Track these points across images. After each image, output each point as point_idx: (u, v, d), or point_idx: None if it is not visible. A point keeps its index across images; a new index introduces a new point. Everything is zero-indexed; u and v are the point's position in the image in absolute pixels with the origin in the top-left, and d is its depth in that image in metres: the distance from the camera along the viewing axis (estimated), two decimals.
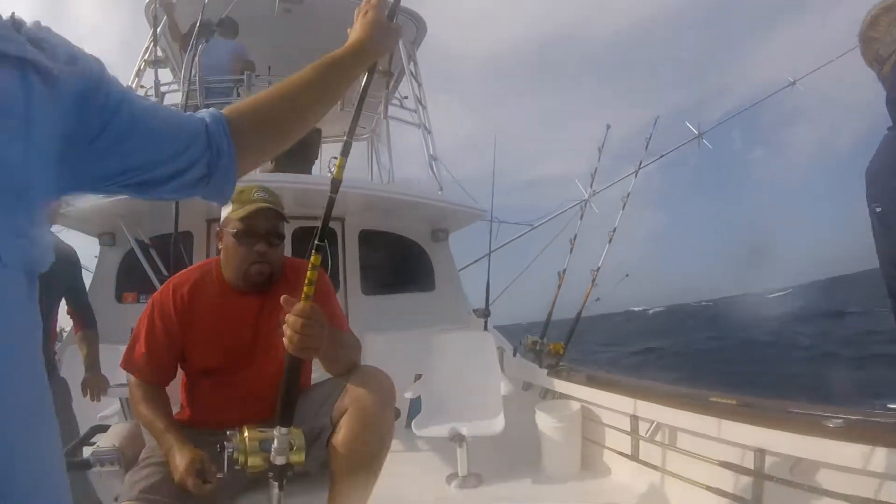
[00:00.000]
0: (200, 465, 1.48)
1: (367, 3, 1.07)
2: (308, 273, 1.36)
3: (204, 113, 0.82)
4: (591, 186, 3.94)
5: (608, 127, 4.00)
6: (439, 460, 3.37)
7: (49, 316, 2.40)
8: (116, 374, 2.14)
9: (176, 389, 1.87)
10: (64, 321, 2.80)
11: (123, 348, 1.80)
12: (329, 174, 3.78)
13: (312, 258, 1.35)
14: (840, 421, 1.97)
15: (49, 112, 0.57)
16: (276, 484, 1.44)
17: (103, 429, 1.83)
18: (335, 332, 1.59)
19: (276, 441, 1.41)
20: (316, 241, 1.35)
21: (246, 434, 1.45)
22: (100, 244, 4.62)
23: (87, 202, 3.99)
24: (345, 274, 4.94)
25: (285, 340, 1.37)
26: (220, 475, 1.49)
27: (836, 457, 1.89)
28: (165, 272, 3.95)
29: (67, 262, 2.50)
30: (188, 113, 0.82)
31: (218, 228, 1.84)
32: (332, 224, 4.97)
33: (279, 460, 1.41)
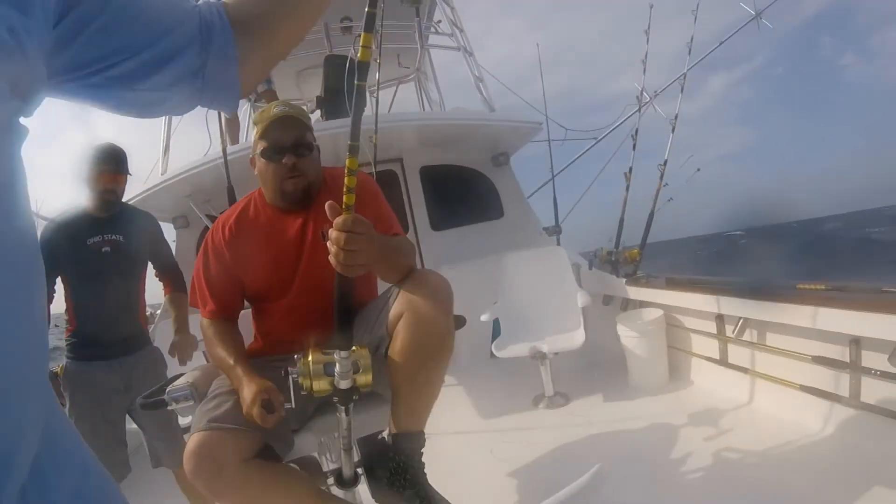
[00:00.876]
0: (266, 395, 1.45)
1: None
2: (346, 179, 1.19)
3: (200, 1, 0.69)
4: (644, 74, 3.62)
5: (651, 6, 3.59)
6: (525, 383, 3.39)
7: (136, 283, 2.47)
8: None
9: (247, 324, 1.91)
10: (149, 298, 2.89)
11: None
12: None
13: (348, 162, 1.18)
14: None
15: None
16: (342, 408, 1.40)
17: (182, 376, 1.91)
18: (385, 239, 1.51)
19: (337, 365, 1.34)
20: (349, 142, 1.17)
21: (310, 358, 1.39)
22: (175, 228, 4.89)
23: (154, 187, 4.22)
24: (412, 212, 4.95)
25: (331, 258, 1.26)
26: (287, 405, 1.45)
27: None
28: None
29: (147, 226, 2.50)
30: None
31: (250, 156, 1.80)
32: (391, 166, 4.96)
33: (343, 384, 1.36)
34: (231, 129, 4.70)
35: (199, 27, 0.66)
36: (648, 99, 3.75)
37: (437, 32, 5.12)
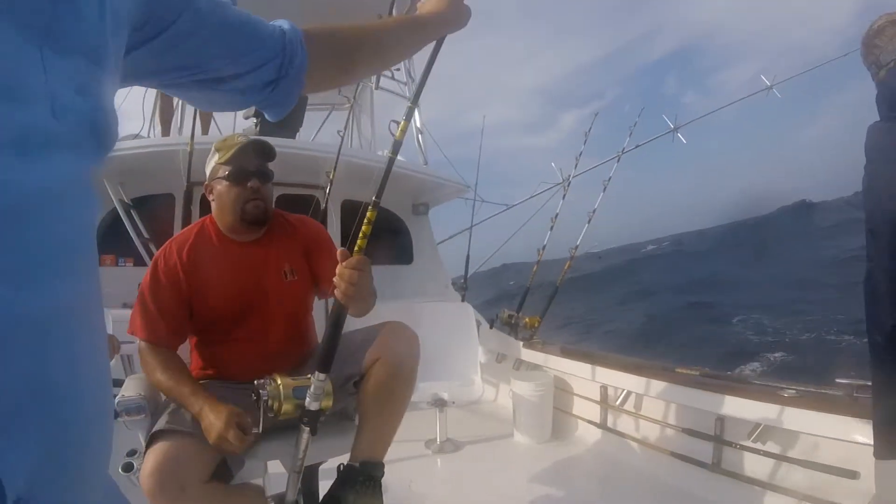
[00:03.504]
0: (238, 418, 1.50)
1: None
2: (363, 227, 1.43)
3: (281, 21, 0.78)
4: (574, 168, 4.08)
5: (595, 115, 4.13)
6: (418, 427, 3.50)
7: None
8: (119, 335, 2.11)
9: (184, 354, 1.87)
10: None
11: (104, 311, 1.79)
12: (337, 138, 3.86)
13: (369, 213, 1.41)
14: (794, 391, 2.19)
15: None
16: (307, 429, 1.49)
17: (117, 383, 1.81)
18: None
19: (312, 387, 1.46)
20: (374, 199, 1.42)
21: (279, 382, 1.51)
22: None
23: None
24: None
25: (337, 292, 1.43)
26: (255, 430, 1.52)
27: (790, 422, 2.10)
28: (146, 234, 3.90)
29: None
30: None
31: (206, 183, 1.87)
32: (314, 191, 4.96)
33: (313, 406, 1.47)
34: (165, 117, 4.50)
35: (283, 48, 0.75)
36: (568, 181, 4.18)
37: (392, 78, 5.30)
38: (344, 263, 1.43)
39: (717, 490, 2.36)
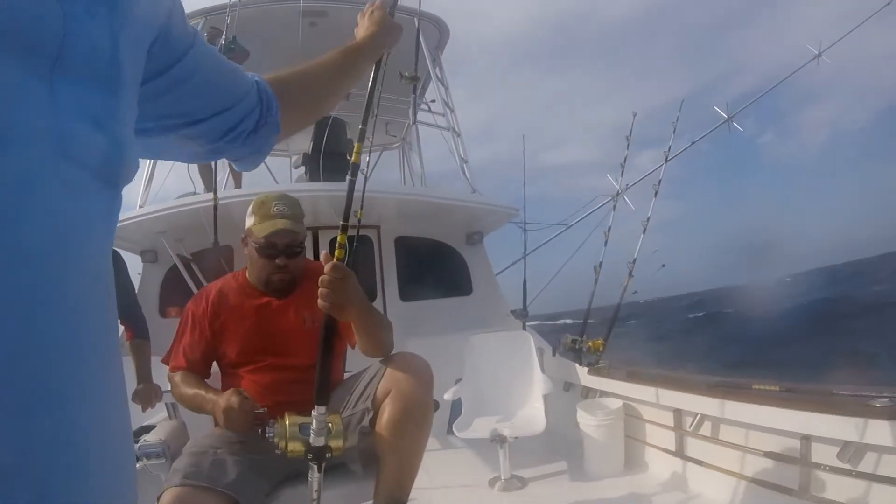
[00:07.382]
0: (240, 394, 1.61)
1: (372, 5, 1.17)
2: (339, 237, 1.48)
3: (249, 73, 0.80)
4: (622, 177, 3.88)
5: (634, 115, 3.91)
6: (482, 463, 3.36)
7: None
8: (165, 384, 2.25)
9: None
10: None
11: None
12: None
13: (339, 237, 1.48)
14: (886, 399, 1.88)
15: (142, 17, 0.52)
16: (314, 466, 1.47)
17: (149, 429, 1.91)
18: (370, 304, 1.70)
19: (314, 422, 1.46)
20: (341, 223, 1.47)
21: (287, 420, 1.50)
22: (142, 261, 4.78)
23: (128, 220, 4.15)
24: (383, 281, 4.99)
25: (319, 300, 1.47)
26: (259, 410, 1.59)
27: (885, 437, 1.80)
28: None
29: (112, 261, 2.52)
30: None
31: (243, 235, 1.96)
32: (367, 232, 5.02)
33: (317, 441, 1.46)
34: (205, 172, 4.72)
35: (259, 97, 0.76)
36: (620, 194, 3.97)
37: (429, 111, 5.35)
38: (325, 269, 1.48)
39: None
